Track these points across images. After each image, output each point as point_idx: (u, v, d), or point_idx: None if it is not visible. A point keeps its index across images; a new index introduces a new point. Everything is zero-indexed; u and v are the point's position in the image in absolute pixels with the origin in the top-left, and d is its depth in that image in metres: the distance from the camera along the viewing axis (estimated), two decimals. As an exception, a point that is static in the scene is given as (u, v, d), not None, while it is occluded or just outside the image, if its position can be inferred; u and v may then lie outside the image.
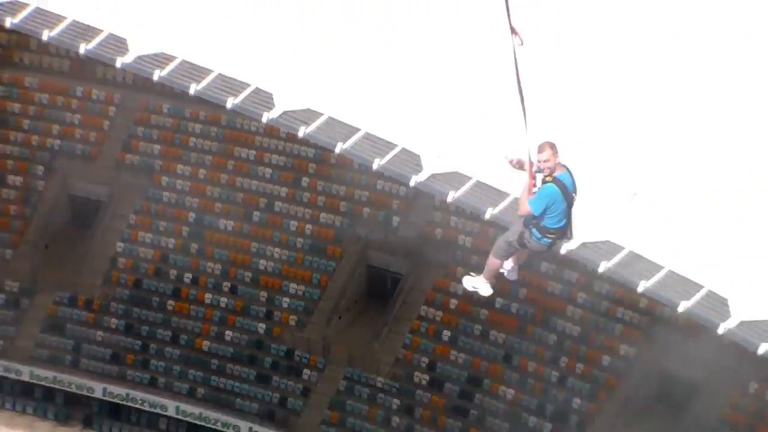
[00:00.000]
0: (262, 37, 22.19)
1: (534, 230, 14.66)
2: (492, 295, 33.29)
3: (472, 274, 16.21)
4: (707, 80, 20.93)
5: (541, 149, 13.90)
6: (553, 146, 13.96)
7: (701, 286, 19.27)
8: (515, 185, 20.11)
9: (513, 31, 13.33)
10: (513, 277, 16.32)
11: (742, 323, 18.91)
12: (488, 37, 21.44)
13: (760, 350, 18.88)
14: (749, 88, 20.87)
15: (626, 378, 32.71)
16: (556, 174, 14.11)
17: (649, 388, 32.67)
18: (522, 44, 13.44)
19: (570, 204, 14.40)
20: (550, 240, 14.66)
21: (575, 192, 14.37)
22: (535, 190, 14.24)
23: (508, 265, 16.14)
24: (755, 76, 20.96)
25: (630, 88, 21.08)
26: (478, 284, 16.32)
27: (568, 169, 14.31)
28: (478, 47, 21.46)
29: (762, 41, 21.02)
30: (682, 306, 19.39)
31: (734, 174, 20.07)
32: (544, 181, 14.15)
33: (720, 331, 19.09)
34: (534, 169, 14.17)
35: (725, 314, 19.00)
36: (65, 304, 37.16)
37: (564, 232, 14.72)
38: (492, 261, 15.88)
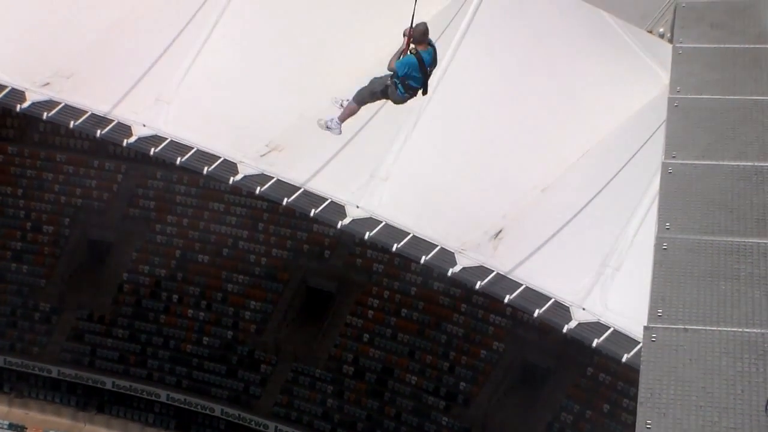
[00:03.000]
0: (226, 121, 22.48)
1: (399, 86, 14.43)
2: (398, 306, 33.31)
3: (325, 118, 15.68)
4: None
5: (416, 27, 14.06)
6: (425, 29, 14.07)
7: (550, 297, 19.51)
8: (415, 225, 20.75)
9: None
10: (337, 131, 15.93)
11: (579, 324, 19.18)
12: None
13: (594, 344, 19.09)
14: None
15: (498, 366, 32.90)
16: (419, 49, 14.01)
17: (514, 373, 32.77)
18: None
19: (425, 74, 14.24)
20: (407, 95, 14.55)
21: (433, 66, 14.27)
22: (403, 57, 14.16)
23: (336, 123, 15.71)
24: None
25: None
26: (332, 124, 15.76)
27: (433, 47, 14.20)
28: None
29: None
30: (537, 312, 19.60)
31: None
32: (410, 53, 14.10)
33: (564, 330, 19.33)
34: (411, 39, 14.04)
35: (567, 317, 19.25)
36: (84, 319, 36.75)
37: (416, 92, 14.50)
38: (351, 106, 15.48)
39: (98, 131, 22.35)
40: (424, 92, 14.58)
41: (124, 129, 22.14)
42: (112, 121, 22.12)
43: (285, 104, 22.23)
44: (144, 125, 22.03)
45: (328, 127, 15.75)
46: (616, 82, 21.02)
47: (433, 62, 14.27)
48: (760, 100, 10.21)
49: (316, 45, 22.70)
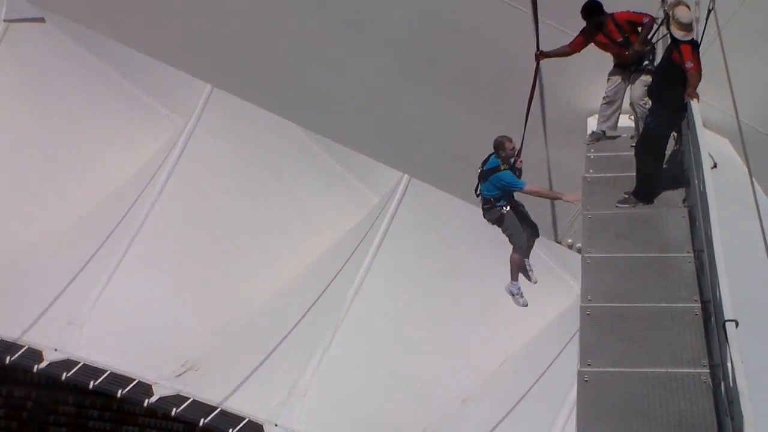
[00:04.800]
0: (140, 342, 22.31)
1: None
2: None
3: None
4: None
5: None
6: (500, 142, 13.22)
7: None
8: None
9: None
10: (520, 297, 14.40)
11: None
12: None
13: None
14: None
15: None
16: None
17: None
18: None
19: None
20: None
21: (481, 176, 13.37)
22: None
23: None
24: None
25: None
26: (513, 289, 14.31)
27: (502, 167, 13.22)
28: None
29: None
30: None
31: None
32: None
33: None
34: None
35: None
36: None
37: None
38: (513, 258, 14.03)
39: (7, 358, 22.06)
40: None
41: (35, 354, 21.94)
42: (22, 346, 21.92)
43: (200, 323, 22.26)
44: (56, 349, 21.88)
45: (512, 294, 14.50)
46: (528, 293, 21.38)
47: (484, 173, 13.48)
48: (669, 307, 10.51)
49: (228, 262, 22.94)
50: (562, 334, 19.44)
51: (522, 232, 13.83)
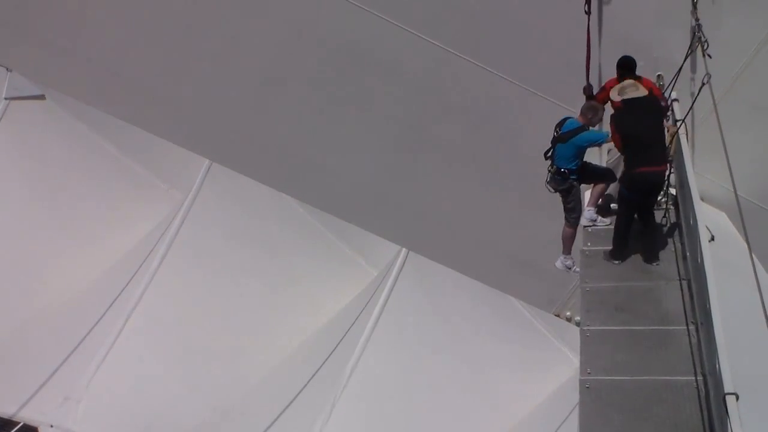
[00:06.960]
0: (137, 418, 22.14)
1: None
2: None
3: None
4: None
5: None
6: (588, 106, 13.02)
7: None
8: None
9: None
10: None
11: None
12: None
13: None
14: None
15: None
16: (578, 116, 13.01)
17: None
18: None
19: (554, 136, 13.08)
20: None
21: (564, 136, 12.90)
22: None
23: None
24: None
25: None
26: (566, 263, 14.04)
27: (582, 124, 12.87)
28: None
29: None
30: None
31: None
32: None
33: None
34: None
35: None
36: None
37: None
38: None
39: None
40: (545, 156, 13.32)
41: (31, 431, 21.76)
42: (18, 423, 21.77)
43: (197, 398, 22.10)
44: (51, 426, 21.68)
45: (568, 268, 14.12)
46: (528, 366, 21.35)
47: (568, 134, 12.97)
48: (668, 380, 10.47)
49: (225, 336, 22.87)
50: (561, 407, 19.32)
51: (582, 207, 13.63)
